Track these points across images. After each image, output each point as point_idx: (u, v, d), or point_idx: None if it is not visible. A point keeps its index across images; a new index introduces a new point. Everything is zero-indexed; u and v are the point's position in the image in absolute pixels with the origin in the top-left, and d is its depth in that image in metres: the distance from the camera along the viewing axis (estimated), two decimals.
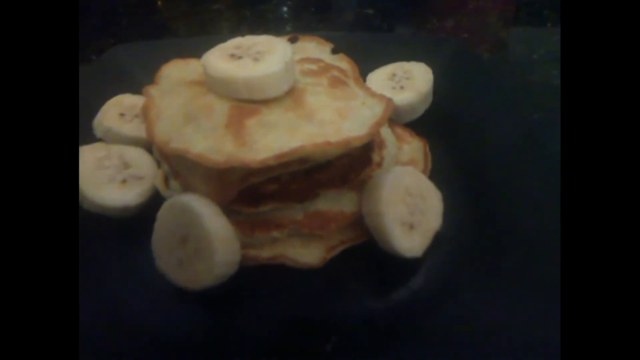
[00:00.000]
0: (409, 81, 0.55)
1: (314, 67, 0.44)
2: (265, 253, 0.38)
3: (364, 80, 0.57)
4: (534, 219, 0.41)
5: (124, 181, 0.43)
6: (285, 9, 1.05)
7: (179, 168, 0.38)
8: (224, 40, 0.41)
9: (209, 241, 0.33)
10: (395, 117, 0.54)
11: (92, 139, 0.50)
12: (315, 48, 0.49)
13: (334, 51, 0.49)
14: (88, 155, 0.43)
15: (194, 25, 0.95)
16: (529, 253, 0.38)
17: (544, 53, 0.74)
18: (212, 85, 0.38)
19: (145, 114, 0.38)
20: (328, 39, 0.51)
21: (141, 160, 0.46)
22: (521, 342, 0.32)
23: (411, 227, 0.38)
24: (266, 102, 0.37)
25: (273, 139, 0.34)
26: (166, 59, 0.48)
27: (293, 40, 0.50)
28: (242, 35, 0.41)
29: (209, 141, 0.34)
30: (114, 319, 0.35)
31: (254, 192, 0.36)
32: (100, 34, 0.91)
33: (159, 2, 1.14)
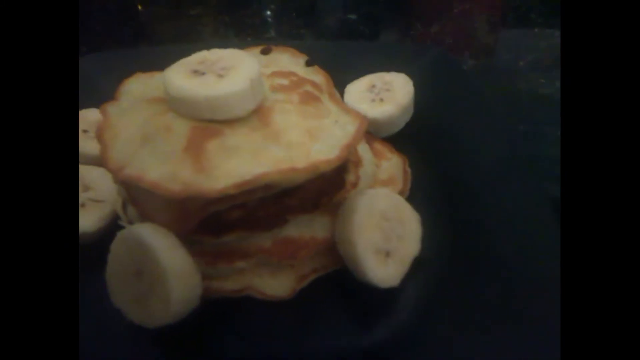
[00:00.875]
0: (388, 93, 0.53)
1: (285, 81, 0.41)
2: (229, 285, 0.35)
3: (343, 92, 0.55)
4: (517, 240, 0.39)
5: (82, 205, 0.40)
6: (268, 12, 1.03)
7: (135, 195, 0.35)
8: (198, 49, 0.38)
9: (165, 277, 0.30)
10: (374, 131, 0.52)
11: None
12: (288, 60, 0.47)
13: (309, 63, 0.46)
14: None
15: (174, 30, 0.92)
16: (511, 278, 0.36)
17: (530, 60, 0.73)
18: (172, 103, 0.35)
19: (99, 136, 0.35)
20: (306, 48, 0.49)
21: (103, 183, 0.43)
22: None
23: (387, 254, 0.36)
24: (230, 122, 0.34)
25: (235, 165, 0.31)
26: (135, 71, 0.45)
27: (266, 52, 0.48)
28: (224, 41, 0.39)
29: (166, 167, 0.31)
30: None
31: (216, 220, 0.33)
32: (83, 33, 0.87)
33: (139, 7, 1.11)
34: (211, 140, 0.33)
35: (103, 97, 0.54)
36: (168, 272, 0.30)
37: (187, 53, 0.38)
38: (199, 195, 0.29)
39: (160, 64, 0.45)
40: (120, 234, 0.33)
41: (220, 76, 0.35)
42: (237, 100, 0.34)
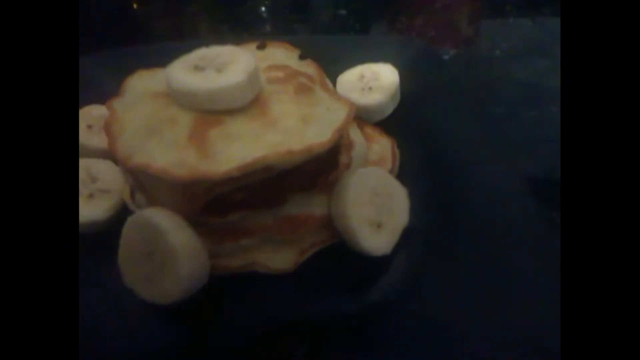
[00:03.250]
0: (377, 82, 0.56)
1: (280, 74, 0.44)
2: (236, 262, 0.38)
3: (335, 82, 0.58)
4: (495, 209, 0.42)
5: (90, 195, 0.43)
6: (263, 9, 1.05)
7: (143, 182, 0.38)
8: (195, 46, 0.41)
9: (174, 256, 0.33)
10: (365, 117, 0.55)
11: None
12: (283, 54, 0.49)
13: (302, 57, 0.49)
14: None
15: (170, 27, 0.93)
16: (491, 243, 0.40)
17: (506, 48, 0.77)
18: (176, 97, 0.38)
19: (107, 129, 0.38)
20: (300, 42, 0.52)
21: (109, 173, 0.45)
22: (497, 335, 0.33)
23: (379, 225, 0.39)
24: (230, 112, 0.37)
25: (236, 150, 0.34)
26: (135, 68, 0.47)
27: (261, 47, 0.51)
28: (220, 37, 0.41)
29: (171, 154, 0.34)
30: (84, 337, 0.35)
31: (221, 201, 0.36)
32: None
33: (135, 5, 1.12)
34: (213, 129, 0.35)
35: (105, 94, 0.57)
36: (177, 251, 0.33)
37: (184, 50, 0.41)
38: (204, 178, 0.32)
39: (158, 61, 0.48)
40: (131, 218, 0.36)
41: (220, 71, 0.37)
42: (235, 92, 0.37)
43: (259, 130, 0.36)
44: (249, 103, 0.38)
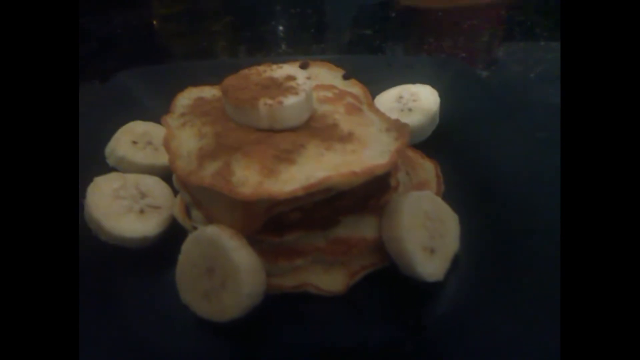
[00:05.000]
0: (416, 103, 0.57)
1: (328, 94, 0.45)
2: (289, 281, 0.38)
3: None
4: (546, 236, 0.42)
5: (141, 211, 0.43)
6: (281, 28, 1.07)
7: (201, 198, 0.38)
8: (224, 65, 0.42)
9: (237, 274, 0.33)
10: None
11: (105, 167, 0.50)
12: (327, 74, 0.50)
13: (346, 76, 0.50)
14: (104, 186, 0.43)
15: (193, 46, 0.96)
16: (544, 271, 0.39)
17: (540, 72, 0.77)
18: (235, 115, 0.38)
19: (166, 145, 0.38)
20: (331, 62, 0.52)
21: (157, 189, 0.45)
22: None
23: (432, 251, 0.39)
24: (288, 132, 0.37)
25: (298, 169, 0.34)
26: (173, 84, 0.48)
27: (304, 66, 0.51)
28: (240, 55, 0.42)
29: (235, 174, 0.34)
30: (138, 352, 0.34)
31: (278, 221, 0.36)
32: (101, 57, 0.91)
33: (155, 23, 1.15)
34: (273, 148, 0.36)
35: (144, 109, 0.58)
36: (240, 268, 0.33)
37: (218, 68, 0.41)
38: (270, 197, 0.32)
39: (190, 77, 0.49)
40: (192, 236, 0.36)
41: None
42: (293, 111, 0.37)
43: (317, 150, 0.36)
44: (305, 122, 0.38)
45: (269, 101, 0.36)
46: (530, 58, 0.81)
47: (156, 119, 0.48)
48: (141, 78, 0.65)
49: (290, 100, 0.36)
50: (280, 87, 0.38)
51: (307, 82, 0.38)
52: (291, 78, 0.39)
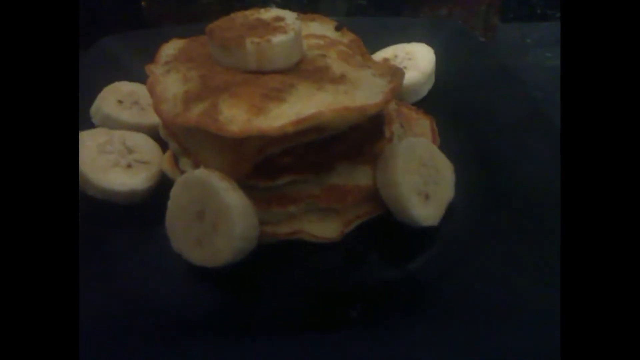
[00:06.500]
0: (411, 62, 0.55)
1: (320, 42, 0.43)
2: (283, 229, 0.36)
3: None
4: (541, 189, 0.41)
5: (129, 166, 0.41)
6: None
7: (189, 144, 0.36)
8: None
9: (229, 214, 0.32)
10: (400, 98, 0.54)
11: (90, 126, 0.48)
12: (318, 26, 0.49)
13: (338, 28, 0.48)
14: (89, 141, 0.42)
15: (179, 18, 0.93)
16: (536, 220, 0.38)
17: (536, 38, 0.76)
18: (223, 57, 0.37)
19: (151, 90, 0.37)
20: None
21: (145, 146, 0.44)
22: (532, 309, 0.31)
23: (427, 197, 0.38)
24: (277, 73, 0.36)
25: (288, 107, 0.33)
26: (159, 46, 0.46)
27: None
28: None
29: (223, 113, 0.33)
30: (133, 303, 0.33)
31: (269, 165, 0.35)
32: (85, 29, 0.88)
33: (143, 3, 1.12)
34: (262, 88, 0.34)
35: (130, 72, 0.56)
36: (231, 209, 0.32)
37: (198, 32, 0.40)
38: (259, 133, 0.31)
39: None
40: (180, 179, 0.34)
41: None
42: (281, 50, 0.36)
43: (307, 91, 0.35)
44: (295, 65, 0.37)
45: (257, 40, 0.35)
46: (525, 27, 0.79)
47: (143, 81, 0.46)
48: (125, 42, 0.63)
49: (279, 37, 0.35)
50: (269, 27, 0.36)
51: (297, 22, 0.37)
52: (280, 19, 0.38)
